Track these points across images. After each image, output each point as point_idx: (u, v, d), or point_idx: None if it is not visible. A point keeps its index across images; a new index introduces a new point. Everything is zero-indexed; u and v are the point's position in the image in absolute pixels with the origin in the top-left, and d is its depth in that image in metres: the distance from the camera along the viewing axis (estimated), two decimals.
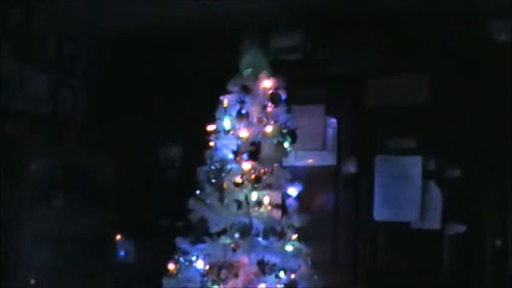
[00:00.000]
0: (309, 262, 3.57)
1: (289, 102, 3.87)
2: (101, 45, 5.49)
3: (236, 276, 3.38)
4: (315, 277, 3.55)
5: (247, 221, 3.42)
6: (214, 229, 3.45)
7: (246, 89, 3.63)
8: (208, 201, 3.55)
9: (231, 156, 3.57)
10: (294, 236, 3.55)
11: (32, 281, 4.13)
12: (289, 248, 3.47)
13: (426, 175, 4.20)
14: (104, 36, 5.40)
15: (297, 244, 3.53)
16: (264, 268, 3.36)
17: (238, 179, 3.48)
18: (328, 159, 4.50)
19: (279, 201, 3.51)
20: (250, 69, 3.73)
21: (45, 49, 4.82)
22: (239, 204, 3.45)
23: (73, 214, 4.47)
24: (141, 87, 5.21)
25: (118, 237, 4.88)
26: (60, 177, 4.55)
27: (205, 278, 3.39)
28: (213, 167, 3.59)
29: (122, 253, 4.94)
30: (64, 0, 4.67)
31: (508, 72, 4.04)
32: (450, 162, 4.19)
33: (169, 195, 4.74)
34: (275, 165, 3.57)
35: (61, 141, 4.84)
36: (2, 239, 3.98)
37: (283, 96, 3.69)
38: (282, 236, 3.47)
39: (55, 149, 4.58)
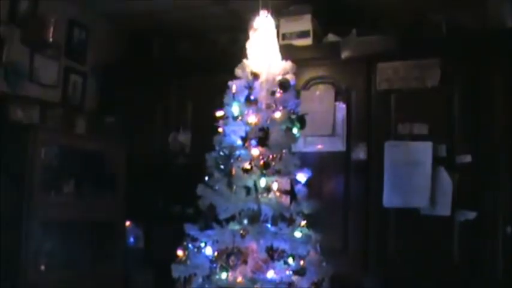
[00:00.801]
0: (318, 249, 3.55)
1: (298, 87, 3.83)
2: (111, 31, 5.50)
3: (245, 262, 3.36)
4: (324, 264, 3.53)
5: (256, 207, 3.40)
6: (223, 215, 3.43)
7: (254, 75, 3.61)
8: (217, 187, 3.53)
9: (239, 142, 3.55)
10: (303, 223, 3.53)
11: (42, 267, 4.16)
12: (298, 234, 3.44)
13: (436, 161, 4.16)
14: (114, 22, 5.41)
15: (306, 230, 3.51)
16: (272, 254, 3.34)
17: (247, 165, 3.45)
18: (338, 145, 4.46)
19: (287, 187, 3.48)
20: (259, 55, 3.71)
21: (55, 36, 4.81)
22: (248, 190, 3.42)
23: (83, 201, 4.47)
24: (151, 73, 5.20)
25: (128, 223, 4.89)
26: (70, 164, 4.55)
27: (214, 265, 3.38)
28: (221, 153, 3.57)
29: (132, 240, 4.96)
30: None
31: None
32: (461, 148, 4.15)
33: (179, 182, 4.73)
34: (284, 151, 3.54)
35: (71, 128, 4.86)
36: (13, 226, 3.99)
37: (292, 81, 3.66)
38: (291, 222, 3.45)
39: (65, 136, 4.59)
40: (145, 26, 5.39)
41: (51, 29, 4.28)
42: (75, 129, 4.86)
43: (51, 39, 4.30)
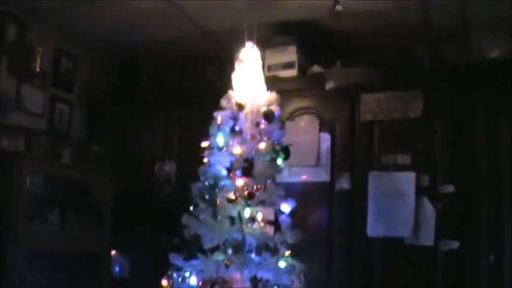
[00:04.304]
0: (302, 278, 3.57)
1: (283, 118, 3.85)
2: (99, 61, 5.53)
3: None
4: None
5: (240, 237, 3.43)
6: (207, 245, 3.45)
7: (239, 106, 3.65)
8: (201, 217, 3.56)
9: (224, 172, 3.59)
10: (287, 253, 3.55)
11: None
12: (282, 264, 3.47)
13: (420, 191, 4.20)
14: (101, 52, 5.44)
15: (290, 260, 3.53)
16: (257, 284, 3.36)
17: (232, 196, 3.49)
18: (322, 175, 4.48)
19: (272, 217, 3.51)
20: (244, 86, 3.76)
21: (43, 65, 4.82)
22: (232, 220, 3.46)
23: (68, 230, 4.45)
24: (137, 103, 5.23)
25: (113, 253, 4.87)
26: (56, 193, 4.54)
27: None
28: (206, 184, 3.61)
29: (117, 269, 4.93)
30: (60, 15, 4.73)
31: (500, 88, 4.07)
32: (444, 178, 4.19)
33: (165, 211, 4.73)
34: (268, 181, 3.59)
35: (57, 157, 4.85)
36: None
37: (277, 112, 3.71)
38: (275, 252, 3.47)
39: (51, 165, 4.59)
40: (133, 56, 5.42)
41: (39, 60, 4.29)
42: (61, 158, 4.86)
43: (38, 70, 4.31)
